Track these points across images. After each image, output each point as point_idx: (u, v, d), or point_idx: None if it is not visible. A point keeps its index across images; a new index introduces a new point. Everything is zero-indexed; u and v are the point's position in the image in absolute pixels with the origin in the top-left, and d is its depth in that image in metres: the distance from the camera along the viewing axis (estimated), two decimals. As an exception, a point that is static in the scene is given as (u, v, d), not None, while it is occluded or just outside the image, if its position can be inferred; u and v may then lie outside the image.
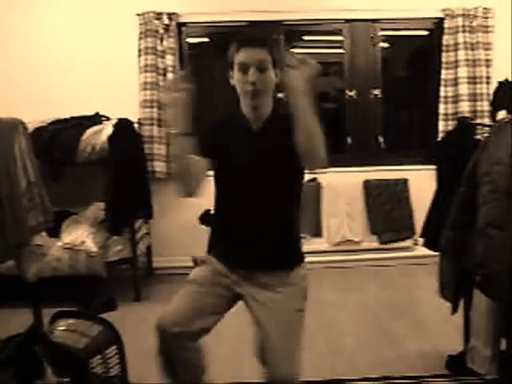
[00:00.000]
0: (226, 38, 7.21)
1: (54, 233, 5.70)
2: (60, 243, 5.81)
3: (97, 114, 6.42)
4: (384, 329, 5.15)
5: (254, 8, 6.84)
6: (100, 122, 6.22)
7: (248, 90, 3.00)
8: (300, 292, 3.27)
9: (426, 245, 4.36)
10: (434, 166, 4.41)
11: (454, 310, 3.93)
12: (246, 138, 3.12)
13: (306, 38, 7.62)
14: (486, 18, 6.82)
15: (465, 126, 4.51)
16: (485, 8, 6.81)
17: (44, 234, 4.44)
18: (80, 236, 5.84)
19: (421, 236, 4.44)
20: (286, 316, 3.11)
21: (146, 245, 6.70)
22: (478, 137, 4.09)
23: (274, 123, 3.11)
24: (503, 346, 3.60)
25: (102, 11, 6.82)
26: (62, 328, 3.50)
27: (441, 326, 4.95)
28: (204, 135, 3.13)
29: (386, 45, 7.34)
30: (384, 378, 4.19)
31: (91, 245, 5.80)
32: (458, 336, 4.18)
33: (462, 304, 3.96)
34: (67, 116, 6.31)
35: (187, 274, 6.67)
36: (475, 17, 6.80)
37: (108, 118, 6.33)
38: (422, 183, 6.00)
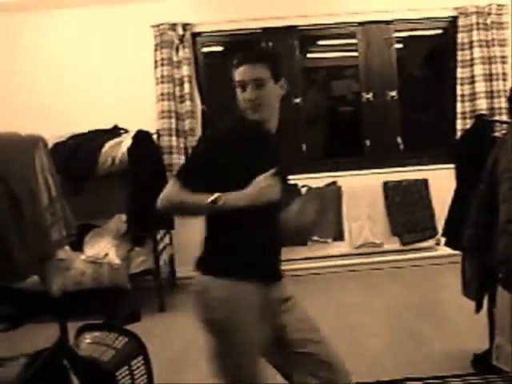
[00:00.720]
0: (240, 45, 7.26)
1: (77, 246, 5.75)
2: (83, 256, 5.84)
3: (115, 126, 6.46)
4: (408, 329, 5.14)
5: (267, 15, 6.86)
6: (119, 135, 6.26)
7: (247, 107, 2.93)
8: None
9: (447, 244, 4.35)
10: (453, 165, 4.40)
11: (478, 309, 3.92)
12: None
13: (320, 42, 7.63)
14: (500, 14, 6.81)
15: (483, 123, 4.50)
16: (498, 5, 6.80)
17: (67, 248, 4.49)
18: (103, 249, 5.88)
19: (442, 235, 4.43)
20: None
21: (169, 255, 6.73)
22: (497, 134, 4.07)
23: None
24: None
25: (117, 24, 6.87)
26: (87, 341, 3.52)
27: (465, 325, 4.92)
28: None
29: (400, 46, 7.33)
30: (409, 380, 4.17)
31: (114, 257, 5.83)
32: (483, 334, 4.15)
33: (486, 302, 3.95)
34: (86, 130, 6.34)
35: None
36: (489, 14, 6.79)
37: (126, 131, 6.36)
38: (441, 183, 5.98)
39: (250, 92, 2.91)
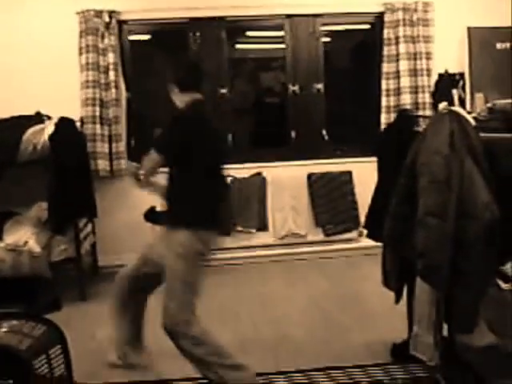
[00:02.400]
0: (167, 35, 7.21)
1: (-4, 234, 5.65)
2: (2, 244, 5.73)
3: (38, 113, 6.34)
4: (330, 320, 5.20)
5: (195, 5, 6.82)
6: (41, 122, 6.15)
7: None
8: None
9: (369, 236, 4.42)
10: (377, 158, 4.46)
11: (397, 299, 3.99)
12: None
13: (248, 33, 7.63)
14: (426, 11, 6.93)
15: (405, 117, 4.56)
16: (424, 2, 6.92)
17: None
18: (23, 236, 5.77)
19: (364, 227, 4.49)
20: None
21: (91, 243, 6.65)
22: (418, 128, 4.13)
23: None
24: (445, 332, 3.66)
25: (41, 9, 6.75)
26: (4, 329, 3.45)
27: (386, 316, 5.00)
28: None
29: (327, 39, 7.39)
30: (330, 368, 4.22)
31: (34, 245, 5.73)
32: (402, 324, 4.23)
33: (405, 293, 4.02)
34: (7, 116, 6.21)
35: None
36: (415, 10, 6.91)
37: (49, 117, 6.25)
38: (365, 175, 6.05)
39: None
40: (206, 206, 3.99)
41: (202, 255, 3.97)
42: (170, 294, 3.93)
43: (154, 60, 7.48)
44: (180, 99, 4.17)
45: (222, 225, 4.23)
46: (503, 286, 3.91)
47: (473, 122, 3.55)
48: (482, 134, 3.51)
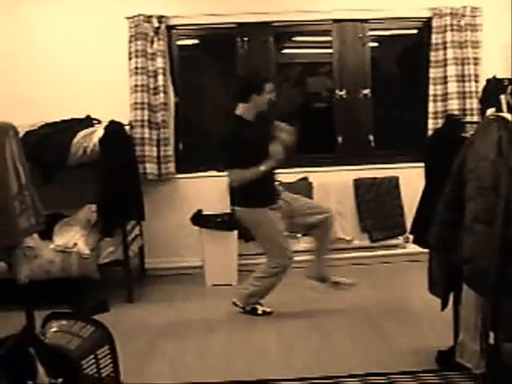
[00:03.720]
0: (215, 39, 7.26)
1: (47, 235, 5.73)
2: (52, 245, 5.82)
3: (88, 116, 6.44)
4: (375, 326, 5.17)
5: (243, 10, 6.86)
6: (91, 125, 6.24)
7: None
8: None
9: (415, 242, 4.40)
10: (423, 164, 4.44)
11: (444, 306, 3.96)
12: None
13: (295, 38, 7.65)
14: (474, 16, 6.87)
15: (453, 123, 4.53)
16: (473, 7, 6.86)
17: (36, 236, 4.46)
18: (72, 238, 5.86)
19: (410, 233, 4.47)
20: None
21: (138, 246, 6.72)
22: (466, 134, 4.11)
23: None
24: (492, 340, 3.64)
25: (92, 14, 6.84)
26: (54, 329, 3.51)
27: (431, 322, 4.97)
28: None
29: (375, 44, 7.37)
30: (375, 375, 4.21)
31: (83, 247, 5.82)
32: (448, 331, 4.20)
33: (451, 299, 4.00)
34: (58, 119, 6.31)
35: (179, 274, 6.75)
36: (463, 16, 6.85)
37: (99, 121, 6.34)
38: (412, 181, 6.03)
39: (271, 98, 5.40)
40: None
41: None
42: None
43: (202, 65, 7.54)
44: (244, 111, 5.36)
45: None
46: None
47: (521, 128, 3.52)
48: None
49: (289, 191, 6.12)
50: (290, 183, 6.85)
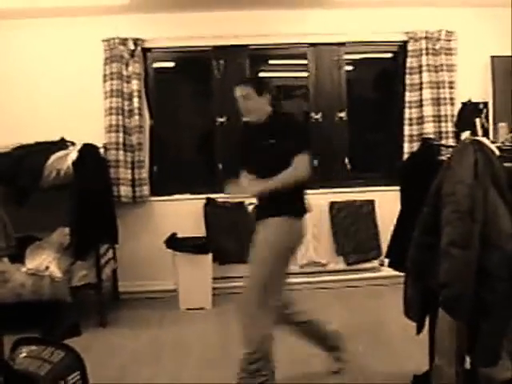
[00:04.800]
0: (191, 62, 7.26)
1: (19, 258, 5.66)
2: (24, 269, 5.74)
3: (62, 139, 6.38)
4: (350, 349, 5.12)
5: (218, 33, 6.87)
6: (65, 147, 6.19)
7: (242, 113, 4.55)
8: None
9: (391, 265, 4.37)
10: (399, 187, 4.43)
11: (419, 330, 3.92)
12: None
13: (271, 61, 7.66)
14: (449, 40, 6.94)
15: (428, 146, 4.53)
16: (447, 30, 6.92)
17: (6, 259, 4.40)
18: (44, 261, 5.79)
19: (386, 257, 4.45)
20: None
21: (112, 269, 6.65)
22: (442, 157, 4.11)
23: None
24: (467, 364, 3.61)
25: (67, 36, 6.82)
26: (23, 355, 3.44)
27: (407, 346, 4.95)
28: None
29: (350, 68, 7.40)
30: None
31: (55, 270, 5.75)
32: (423, 355, 4.18)
33: (427, 323, 3.98)
34: (32, 141, 6.25)
35: (153, 297, 6.69)
36: (438, 39, 6.91)
37: (73, 143, 6.29)
38: (388, 204, 6.00)
39: (240, 103, 4.48)
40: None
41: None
42: None
43: (177, 87, 7.52)
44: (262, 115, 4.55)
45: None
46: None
47: (497, 152, 3.52)
48: (506, 164, 3.49)
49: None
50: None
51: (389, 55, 7.43)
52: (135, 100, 6.78)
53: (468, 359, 3.59)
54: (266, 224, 4.34)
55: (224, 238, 6.73)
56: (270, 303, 4.25)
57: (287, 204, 4.35)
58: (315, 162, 7.07)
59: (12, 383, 3.25)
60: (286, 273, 4.53)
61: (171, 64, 7.52)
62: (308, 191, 6.84)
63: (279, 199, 4.30)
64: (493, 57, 6.94)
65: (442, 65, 6.91)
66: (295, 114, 4.89)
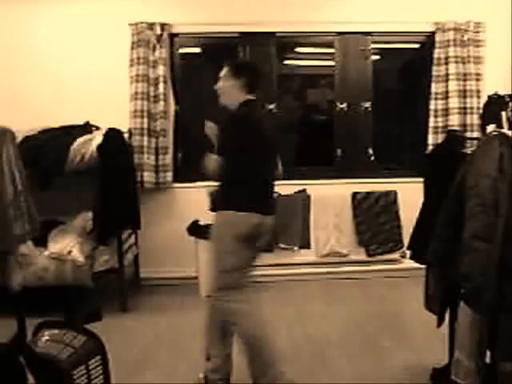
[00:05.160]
0: (218, 48, 7.24)
1: (42, 242, 5.68)
2: (47, 252, 5.78)
3: (87, 123, 6.40)
4: (370, 341, 5.14)
5: (246, 20, 6.83)
6: (90, 132, 6.21)
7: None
8: None
9: (412, 257, 4.35)
10: (422, 179, 4.41)
11: (440, 323, 3.92)
12: None
13: (297, 49, 7.62)
14: (478, 32, 6.86)
15: (453, 139, 4.51)
16: (476, 22, 6.84)
17: (30, 243, 4.42)
18: (67, 246, 5.82)
19: (408, 248, 4.43)
20: None
21: (134, 255, 6.67)
22: (467, 150, 4.08)
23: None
24: (488, 358, 3.60)
25: (94, 19, 6.81)
26: (45, 338, 3.48)
27: (426, 339, 4.95)
28: None
29: (377, 57, 7.35)
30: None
31: (78, 254, 5.78)
32: (443, 348, 4.17)
33: (448, 316, 3.96)
34: (57, 125, 6.27)
35: (174, 284, 6.70)
36: (466, 31, 6.83)
37: (98, 128, 6.31)
38: (411, 196, 5.96)
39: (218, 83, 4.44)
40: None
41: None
42: None
43: (203, 73, 7.51)
44: (233, 100, 4.34)
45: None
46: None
47: (522, 146, 3.49)
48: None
49: (286, 203, 6.11)
50: (288, 195, 6.82)
51: (416, 45, 7.37)
52: (161, 85, 6.77)
53: (488, 353, 3.58)
54: (215, 217, 4.32)
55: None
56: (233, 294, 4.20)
57: (229, 198, 4.18)
58: (338, 152, 7.09)
59: (33, 366, 3.29)
60: (246, 266, 4.29)
61: (197, 50, 7.51)
62: (331, 181, 6.92)
63: (223, 194, 4.24)
64: (521, 49, 6.88)
65: (469, 56, 6.84)
66: (259, 116, 4.21)
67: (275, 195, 4.52)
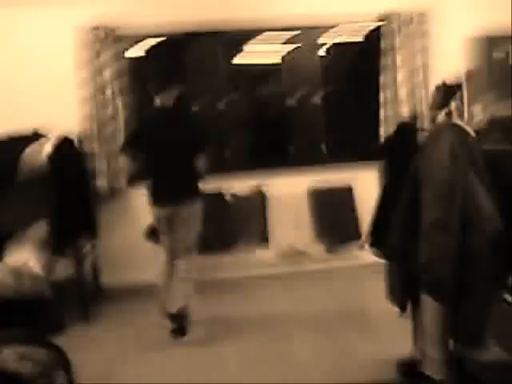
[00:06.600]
0: (164, 50, 7.20)
1: (-4, 255, 5.60)
2: (1, 265, 5.69)
3: (35, 131, 6.31)
4: (335, 336, 5.16)
5: (191, 19, 6.80)
6: (39, 140, 6.12)
7: None
8: None
9: (371, 250, 4.38)
10: (376, 171, 4.43)
11: (402, 314, 3.95)
12: None
13: (244, 47, 7.61)
14: (422, 22, 6.93)
15: (404, 129, 4.54)
16: (420, 13, 6.92)
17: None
18: (23, 257, 5.73)
19: (366, 241, 4.46)
20: None
21: (92, 263, 6.59)
22: (418, 140, 4.12)
23: None
24: (452, 347, 3.64)
25: (39, 26, 6.73)
26: (6, 353, 3.42)
27: (391, 330, 4.97)
28: None
29: (324, 51, 7.37)
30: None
31: (35, 265, 5.69)
32: (407, 340, 4.20)
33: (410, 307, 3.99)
34: (4, 134, 6.18)
35: (136, 290, 6.64)
36: (411, 22, 6.89)
37: (47, 136, 6.22)
38: (366, 189, 6.03)
39: None
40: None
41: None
42: None
43: (150, 75, 7.46)
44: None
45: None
46: (511, 299, 3.88)
47: (473, 134, 3.54)
48: (483, 146, 3.51)
49: (243, 203, 6.14)
50: (243, 194, 6.82)
51: (362, 38, 7.41)
52: (108, 90, 6.72)
53: (452, 342, 3.62)
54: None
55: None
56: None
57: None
58: (292, 148, 7.11)
59: (-5, 383, 3.23)
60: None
61: (143, 52, 7.45)
62: (285, 178, 6.94)
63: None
64: (466, 38, 6.95)
65: (415, 47, 6.91)
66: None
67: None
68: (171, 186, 5.24)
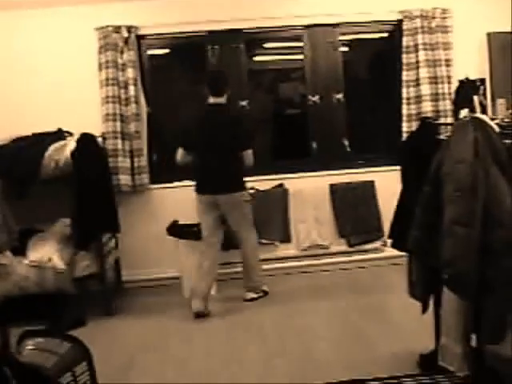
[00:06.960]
0: (186, 48, 7.22)
1: (21, 251, 5.65)
2: (26, 261, 5.74)
3: (59, 129, 6.36)
4: (356, 331, 5.15)
5: (212, 18, 6.82)
6: (63, 138, 6.17)
7: None
8: None
9: (393, 245, 4.37)
10: (399, 167, 4.42)
11: (424, 309, 3.94)
12: None
13: (266, 45, 7.62)
14: (444, 18, 6.88)
15: (427, 125, 4.52)
16: (443, 8, 6.87)
17: (9, 253, 4.39)
18: (47, 253, 5.78)
19: (388, 237, 4.44)
20: None
21: (114, 258, 6.63)
22: (441, 136, 4.10)
23: None
24: (474, 342, 3.62)
25: (61, 26, 6.78)
26: (30, 347, 3.44)
27: (412, 326, 4.94)
28: None
29: (346, 49, 7.36)
30: (357, 381, 4.18)
31: (58, 261, 5.74)
32: (429, 335, 4.18)
33: (432, 303, 3.98)
34: (29, 133, 6.24)
35: (157, 286, 6.68)
36: (433, 18, 6.86)
37: (71, 134, 6.27)
38: (388, 184, 6.00)
39: None
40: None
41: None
42: None
43: (173, 74, 7.50)
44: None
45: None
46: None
47: (496, 129, 3.51)
48: (506, 141, 3.48)
49: (264, 199, 6.19)
50: (266, 190, 6.83)
51: (384, 35, 7.39)
52: (131, 88, 6.75)
53: (474, 337, 3.60)
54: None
55: (225, 224, 6.74)
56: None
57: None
58: (314, 145, 7.10)
59: (19, 376, 3.25)
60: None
61: (166, 50, 7.48)
62: (308, 174, 6.94)
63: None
64: (489, 33, 6.90)
65: (437, 43, 6.87)
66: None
67: None
68: (219, 177, 5.87)
